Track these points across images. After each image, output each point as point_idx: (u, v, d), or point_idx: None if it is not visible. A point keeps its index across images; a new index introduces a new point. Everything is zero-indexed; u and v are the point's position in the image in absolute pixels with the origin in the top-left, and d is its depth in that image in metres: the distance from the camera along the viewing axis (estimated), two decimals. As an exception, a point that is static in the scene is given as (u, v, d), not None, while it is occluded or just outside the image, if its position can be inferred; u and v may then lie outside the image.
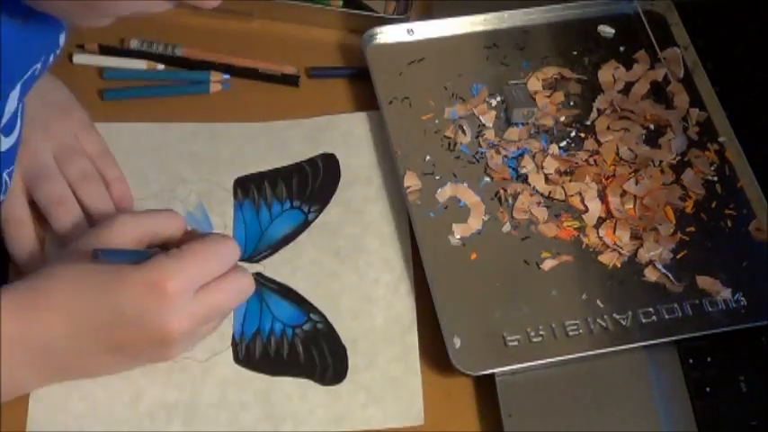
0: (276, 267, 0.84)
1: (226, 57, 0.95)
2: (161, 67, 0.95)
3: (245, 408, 0.78)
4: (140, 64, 0.94)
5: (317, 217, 0.87)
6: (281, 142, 0.90)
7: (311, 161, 0.90)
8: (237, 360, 0.80)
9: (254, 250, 0.85)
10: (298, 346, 0.81)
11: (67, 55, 0.94)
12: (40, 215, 0.83)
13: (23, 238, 0.82)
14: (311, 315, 0.82)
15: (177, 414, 0.77)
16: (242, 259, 0.83)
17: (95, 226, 0.77)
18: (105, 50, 0.95)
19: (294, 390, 0.79)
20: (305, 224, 0.86)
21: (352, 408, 0.78)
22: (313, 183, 0.88)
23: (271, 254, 0.85)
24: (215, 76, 0.93)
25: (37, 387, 0.76)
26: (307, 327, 0.82)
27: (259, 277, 0.83)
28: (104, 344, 0.73)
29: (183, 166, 0.88)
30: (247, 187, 0.88)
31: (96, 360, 0.74)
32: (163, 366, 0.78)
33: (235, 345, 0.80)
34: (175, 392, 0.78)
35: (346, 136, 0.91)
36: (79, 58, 0.94)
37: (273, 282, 0.83)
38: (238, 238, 0.84)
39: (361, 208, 0.87)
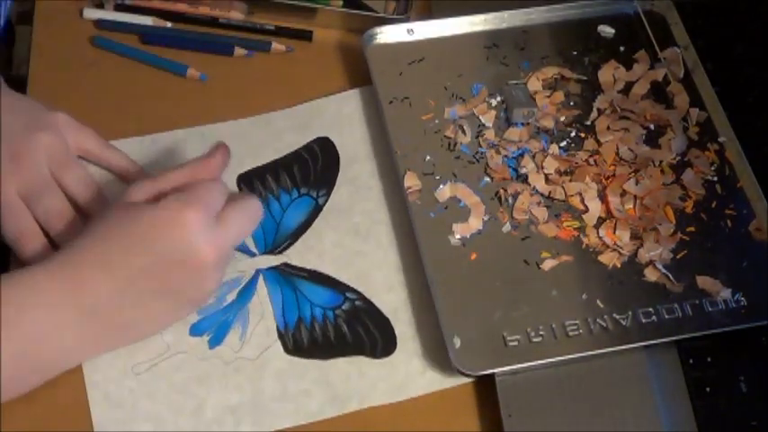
0: (301, 255, 0.85)
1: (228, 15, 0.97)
2: (168, 24, 0.96)
3: (308, 395, 0.78)
4: (146, 20, 0.96)
5: (327, 200, 0.87)
6: (273, 134, 0.91)
7: (307, 147, 0.90)
8: (288, 351, 0.80)
9: (274, 242, 0.85)
10: (342, 326, 0.81)
11: (78, 11, 0.96)
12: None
13: (40, 252, 0.80)
14: (347, 294, 0.83)
15: (244, 414, 0.77)
16: (264, 253, 0.84)
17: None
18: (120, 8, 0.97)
19: (351, 368, 0.80)
20: (317, 209, 0.87)
21: (412, 375, 0.79)
22: (314, 167, 0.89)
23: (291, 243, 0.85)
24: (192, 72, 0.94)
25: (90, 354, 0.76)
26: (346, 306, 0.82)
27: (287, 267, 0.84)
28: (147, 290, 0.74)
29: None
30: (251, 182, 0.88)
31: (144, 311, 0.75)
32: (217, 372, 0.79)
33: (282, 336, 0.81)
34: (237, 394, 0.78)
35: (336, 117, 0.92)
36: (89, 13, 0.96)
37: (302, 269, 0.84)
38: (256, 234, 0.85)
39: (367, 183, 0.88)
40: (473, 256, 0.85)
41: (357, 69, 0.95)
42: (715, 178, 0.90)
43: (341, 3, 0.98)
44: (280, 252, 0.85)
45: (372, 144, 0.90)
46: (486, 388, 0.79)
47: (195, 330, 0.80)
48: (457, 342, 0.79)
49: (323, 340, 0.81)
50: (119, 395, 0.77)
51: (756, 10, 0.97)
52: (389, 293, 0.83)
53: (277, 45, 0.96)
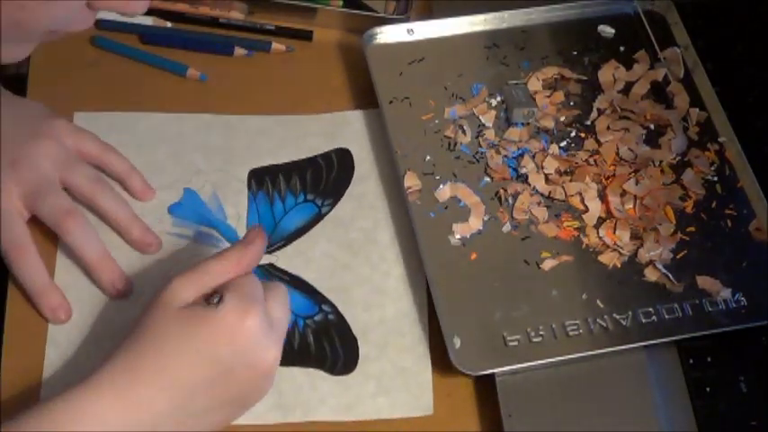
0: (288, 259, 0.85)
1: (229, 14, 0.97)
2: (168, 24, 0.96)
3: None
4: (147, 20, 0.96)
5: (330, 210, 0.87)
6: (297, 135, 0.91)
7: (326, 155, 0.90)
8: None
9: (268, 241, 0.85)
10: (309, 336, 0.81)
11: None
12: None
13: (31, 265, 0.80)
14: (323, 306, 0.83)
15: None
16: None
17: (157, 295, 0.72)
18: None
19: (304, 379, 0.79)
20: (318, 217, 0.87)
21: (362, 397, 0.79)
22: (327, 177, 0.89)
23: (283, 245, 0.85)
24: (192, 72, 0.94)
25: None
26: (318, 318, 0.82)
27: (271, 268, 0.84)
28: (211, 403, 0.70)
29: (197, 156, 0.89)
30: (262, 179, 0.88)
31: (204, 420, 0.71)
32: None
33: None
34: None
35: (361, 132, 0.91)
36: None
37: (285, 273, 0.84)
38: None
39: (373, 203, 0.88)
40: (473, 256, 0.85)
41: (357, 69, 0.95)
42: (715, 178, 0.90)
43: (341, 3, 0.98)
44: (270, 252, 0.85)
45: (388, 165, 0.90)
46: (486, 388, 0.79)
47: None
48: (457, 342, 0.79)
49: (286, 347, 0.79)
50: None
51: (756, 10, 0.97)
52: (364, 312, 0.83)
53: (277, 45, 0.96)
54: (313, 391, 0.79)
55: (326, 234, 0.86)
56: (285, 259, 0.85)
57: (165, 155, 0.88)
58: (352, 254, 0.85)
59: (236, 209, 0.87)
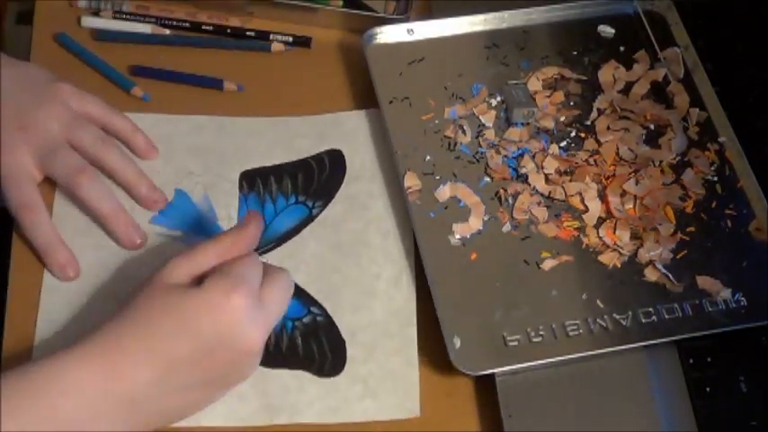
0: (279, 261, 0.84)
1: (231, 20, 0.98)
2: (167, 32, 0.96)
3: (243, 399, 0.78)
4: (146, 28, 0.96)
5: (321, 212, 0.87)
6: (288, 137, 0.91)
7: (317, 157, 0.90)
8: None
9: (258, 243, 0.85)
10: (297, 338, 0.81)
11: (76, 19, 0.96)
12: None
13: (42, 223, 0.82)
14: (311, 308, 0.82)
15: None
16: None
17: (152, 274, 0.74)
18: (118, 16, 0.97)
19: (291, 381, 0.79)
20: (309, 219, 0.87)
21: (349, 399, 0.78)
22: (318, 178, 0.89)
23: (274, 247, 0.85)
24: (135, 91, 0.93)
25: None
26: (306, 320, 0.82)
27: None
28: (191, 379, 0.71)
29: (189, 158, 0.89)
30: (253, 181, 0.88)
31: (183, 397, 0.72)
32: None
33: None
34: None
35: (353, 133, 0.91)
36: (87, 21, 0.96)
37: None
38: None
39: (365, 203, 0.88)
40: (473, 256, 0.85)
41: (357, 69, 0.95)
42: (715, 178, 0.90)
43: (341, 3, 0.98)
44: (260, 254, 0.84)
45: (379, 166, 0.90)
46: (486, 388, 0.79)
47: None
48: (457, 342, 0.79)
49: (274, 349, 0.80)
50: None
51: (756, 10, 0.97)
52: (353, 314, 0.82)
53: (227, 84, 0.93)
54: (300, 393, 0.79)
55: (316, 236, 0.86)
56: (275, 261, 0.84)
57: (156, 156, 0.88)
58: (342, 255, 0.85)
59: (227, 210, 0.86)
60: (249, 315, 0.71)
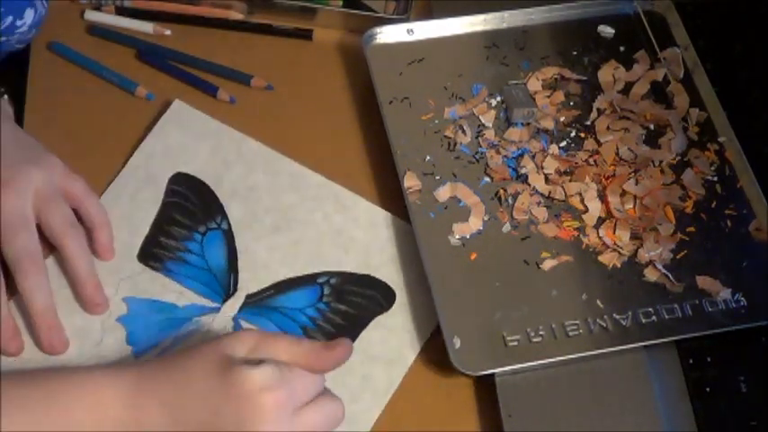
0: (252, 279, 0.83)
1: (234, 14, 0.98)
2: (168, 32, 0.96)
3: (369, 378, 0.79)
4: (147, 26, 0.96)
5: (228, 222, 0.86)
6: (131, 203, 0.87)
7: (169, 191, 0.87)
8: None
9: (222, 287, 0.83)
10: (339, 307, 0.82)
11: (79, 12, 0.97)
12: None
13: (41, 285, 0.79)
14: (318, 280, 0.84)
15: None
16: (224, 301, 0.82)
17: (219, 337, 0.72)
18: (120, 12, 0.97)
19: (374, 334, 0.81)
20: (228, 234, 0.85)
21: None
22: (191, 203, 0.87)
23: (236, 276, 0.84)
24: (140, 91, 0.92)
25: None
26: (326, 291, 0.83)
27: (252, 298, 0.83)
28: None
29: None
30: (155, 256, 0.84)
31: None
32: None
33: None
34: None
35: (165, 150, 0.89)
36: (90, 15, 0.96)
37: (265, 289, 0.83)
38: (205, 291, 0.83)
39: (249, 184, 0.87)
40: (473, 256, 0.85)
41: (357, 69, 0.95)
42: (715, 178, 0.90)
43: (341, 3, 0.98)
44: (234, 291, 0.83)
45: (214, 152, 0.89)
46: (486, 388, 0.79)
47: None
48: (457, 342, 0.79)
49: (335, 329, 0.81)
50: None
51: (756, 10, 0.97)
52: (347, 255, 0.84)
53: (256, 80, 0.94)
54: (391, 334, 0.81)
55: (246, 238, 0.85)
56: (251, 282, 0.83)
57: (110, 259, 0.84)
58: (285, 231, 0.85)
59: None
60: (274, 420, 0.68)
